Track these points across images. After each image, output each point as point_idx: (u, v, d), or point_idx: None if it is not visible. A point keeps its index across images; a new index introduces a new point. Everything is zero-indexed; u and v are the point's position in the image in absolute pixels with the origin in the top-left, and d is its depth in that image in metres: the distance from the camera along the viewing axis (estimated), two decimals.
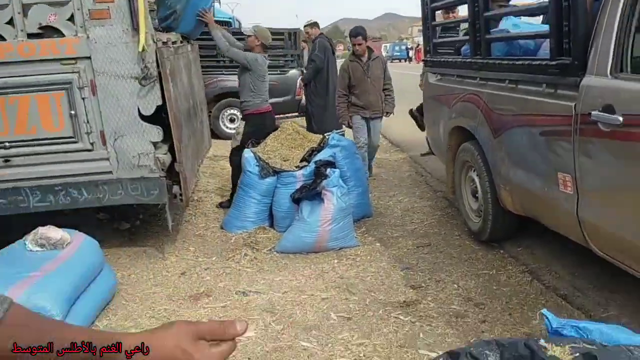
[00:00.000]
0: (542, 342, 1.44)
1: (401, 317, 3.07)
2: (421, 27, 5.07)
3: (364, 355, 2.74)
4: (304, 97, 7.63)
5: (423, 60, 5.26)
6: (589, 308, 2.92)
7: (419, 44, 33.21)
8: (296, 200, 4.33)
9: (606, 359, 1.30)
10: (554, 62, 2.79)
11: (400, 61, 46.43)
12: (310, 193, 4.23)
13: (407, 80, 13.82)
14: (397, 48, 51.61)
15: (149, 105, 3.71)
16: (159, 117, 3.80)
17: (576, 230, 2.73)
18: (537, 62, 3.04)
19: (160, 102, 3.72)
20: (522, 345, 1.44)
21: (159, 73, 3.69)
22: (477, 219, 3.99)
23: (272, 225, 4.58)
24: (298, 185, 4.42)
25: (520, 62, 3.20)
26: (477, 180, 3.93)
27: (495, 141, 3.49)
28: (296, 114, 8.78)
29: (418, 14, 5.16)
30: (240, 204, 4.59)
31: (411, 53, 44.60)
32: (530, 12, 3.59)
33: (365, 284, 3.54)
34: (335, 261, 3.95)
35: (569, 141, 2.67)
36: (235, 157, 5.03)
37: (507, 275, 3.46)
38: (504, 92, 3.38)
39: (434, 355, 2.70)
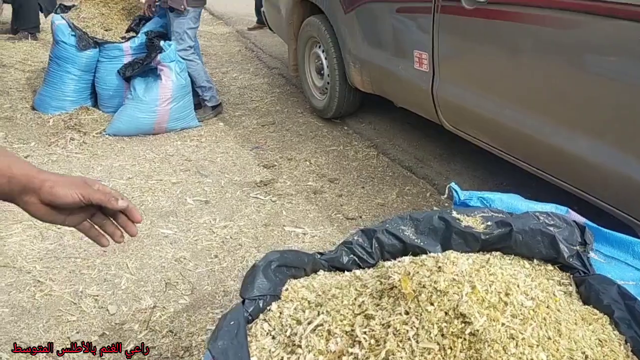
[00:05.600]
0: (454, 214, 1.50)
1: (260, 197, 3.03)
2: None
3: (230, 237, 2.67)
4: None
5: None
6: (432, 177, 3.19)
7: None
8: (127, 77, 3.84)
9: (519, 225, 1.41)
10: None
11: None
12: (144, 69, 3.78)
13: None
14: None
15: None
16: None
17: (429, 107, 2.88)
18: None
19: None
20: (436, 218, 1.49)
21: None
22: (322, 97, 4.00)
23: (95, 106, 4.05)
24: (126, 60, 3.91)
25: None
26: (323, 57, 3.87)
27: (347, 17, 3.42)
28: None
29: None
30: (55, 81, 3.93)
31: None
32: None
33: (216, 166, 3.39)
34: (179, 143, 3.69)
35: (428, 19, 2.71)
36: None
37: (355, 151, 3.60)
38: None
39: (299, 230, 2.75)
